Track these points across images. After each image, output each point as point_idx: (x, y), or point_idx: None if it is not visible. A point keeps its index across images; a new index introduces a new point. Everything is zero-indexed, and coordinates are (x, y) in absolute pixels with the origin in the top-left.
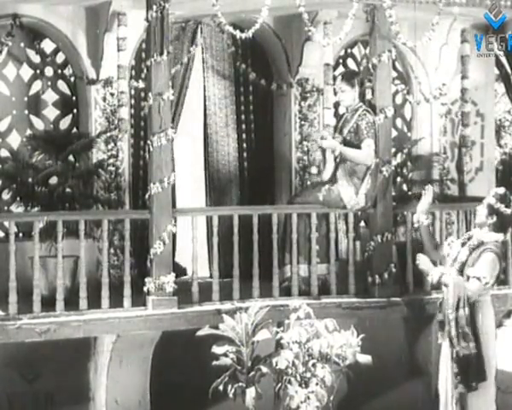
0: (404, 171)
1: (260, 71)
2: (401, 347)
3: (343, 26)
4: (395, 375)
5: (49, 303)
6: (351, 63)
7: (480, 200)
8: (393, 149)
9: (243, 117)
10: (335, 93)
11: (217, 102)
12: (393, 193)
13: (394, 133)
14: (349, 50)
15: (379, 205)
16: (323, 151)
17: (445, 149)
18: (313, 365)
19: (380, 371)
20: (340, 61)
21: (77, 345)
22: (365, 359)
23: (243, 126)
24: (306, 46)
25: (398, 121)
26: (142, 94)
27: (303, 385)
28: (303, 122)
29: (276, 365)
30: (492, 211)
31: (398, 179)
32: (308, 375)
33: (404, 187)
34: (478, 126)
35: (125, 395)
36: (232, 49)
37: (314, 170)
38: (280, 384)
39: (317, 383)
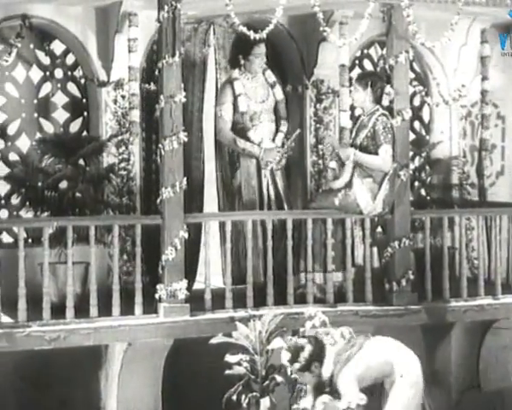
0: (423, 175)
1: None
2: (419, 355)
3: (359, 26)
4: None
5: (58, 310)
6: (367, 64)
7: (500, 205)
8: (411, 153)
9: None
10: (351, 95)
11: None
12: (411, 198)
13: (412, 136)
14: (365, 51)
15: (396, 210)
16: (339, 158)
17: (465, 153)
18: None
19: None
20: (357, 62)
21: (87, 353)
22: None
23: None
24: (321, 47)
25: (416, 124)
26: (153, 96)
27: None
28: (318, 125)
29: (291, 374)
30: None
31: (416, 184)
32: None
33: (423, 192)
34: (498, 129)
35: (137, 404)
36: None
37: (330, 175)
38: (294, 393)
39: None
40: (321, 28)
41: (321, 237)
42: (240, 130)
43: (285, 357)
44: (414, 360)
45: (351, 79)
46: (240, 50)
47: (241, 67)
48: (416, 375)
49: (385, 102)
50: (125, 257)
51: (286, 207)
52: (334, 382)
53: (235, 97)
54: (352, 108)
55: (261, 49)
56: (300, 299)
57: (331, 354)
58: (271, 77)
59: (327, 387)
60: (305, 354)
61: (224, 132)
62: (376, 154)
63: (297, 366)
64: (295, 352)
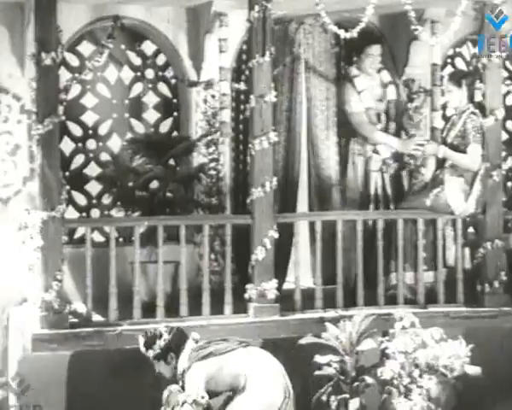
0: None
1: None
2: None
3: (451, 24)
4: (506, 388)
5: (149, 309)
6: (459, 63)
7: None
8: (504, 153)
9: (345, 119)
10: (443, 94)
11: (318, 104)
12: (504, 198)
13: (505, 136)
14: (457, 49)
15: (488, 211)
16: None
17: None
18: (419, 376)
19: (489, 384)
20: (448, 60)
21: None
22: (474, 370)
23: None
24: (413, 46)
25: (509, 124)
26: (242, 96)
27: (407, 397)
28: (409, 124)
29: (381, 375)
30: None
31: (509, 184)
32: (413, 386)
33: None
34: None
35: None
36: (336, 49)
37: (419, 175)
38: (384, 395)
39: (420, 394)
40: (412, 27)
41: (412, 237)
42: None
43: (140, 342)
44: (273, 387)
45: (442, 78)
46: (354, 48)
47: (355, 64)
48: (268, 404)
49: (477, 97)
50: (212, 256)
51: (392, 207)
52: (184, 376)
53: (359, 93)
54: (444, 107)
55: (373, 51)
56: (391, 300)
57: (188, 349)
58: (387, 77)
59: (179, 381)
60: (161, 343)
61: (363, 125)
62: (465, 153)
63: (151, 353)
64: (152, 338)
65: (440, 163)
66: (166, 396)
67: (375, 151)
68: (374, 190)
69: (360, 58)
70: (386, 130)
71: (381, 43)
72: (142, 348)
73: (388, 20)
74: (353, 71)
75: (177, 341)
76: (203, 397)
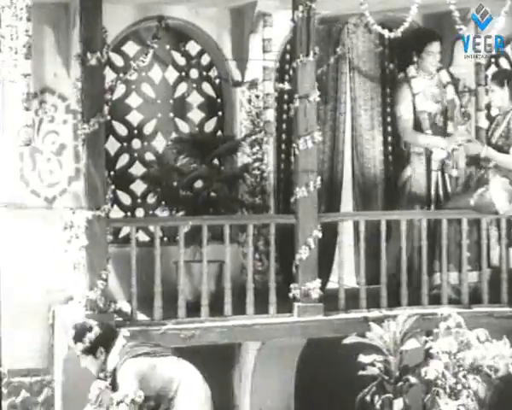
0: None
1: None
2: None
3: (495, 24)
4: None
5: (193, 309)
6: (503, 62)
7: None
8: None
9: (389, 119)
10: (487, 94)
11: (362, 104)
12: None
13: None
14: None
15: None
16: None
17: None
18: (464, 376)
19: None
20: (493, 60)
21: (221, 351)
22: None
23: (389, 129)
24: (457, 45)
25: None
26: (286, 96)
27: (453, 397)
28: None
29: (425, 375)
30: None
31: None
32: (459, 387)
33: None
34: None
35: (270, 402)
36: (380, 48)
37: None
38: (429, 395)
39: (467, 396)
40: (456, 26)
41: (456, 237)
42: (417, 129)
43: (70, 334)
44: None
45: (486, 78)
46: (413, 47)
47: (414, 64)
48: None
49: None
50: (256, 256)
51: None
52: (116, 373)
53: (414, 95)
54: (488, 107)
55: (434, 48)
56: (435, 299)
57: (119, 346)
58: (445, 77)
59: (108, 378)
60: (91, 336)
61: (407, 132)
62: (509, 153)
63: (80, 346)
64: (82, 331)
65: (473, 162)
66: (96, 395)
67: (432, 152)
68: (434, 190)
69: (420, 57)
70: (444, 130)
71: (441, 41)
72: (71, 341)
73: (432, 19)
74: (411, 71)
75: (108, 336)
76: (140, 396)
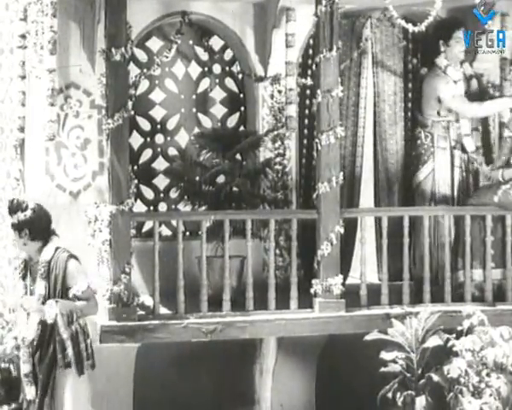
0: None
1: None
2: None
3: None
4: None
5: (215, 303)
6: None
7: None
8: None
9: (411, 115)
10: None
11: (386, 99)
12: None
13: None
14: None
15: None
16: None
17: None
18: (487, 374)
19: None
20: None
21: (242, 346)
22: None
23: (412, 124)
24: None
25: None
26: (308, 91)
27: (476, 396)
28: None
29: (448, 373)
30: None
31: None
32: (482, 385)
33: None
34: None
35: (291, 399)
36: (403, 43)
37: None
38: (451, 394)
39: (491, 394)
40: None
41: (480, 234)
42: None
43: (9, 205)
44: None
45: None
46: (440, 36)
47: (443, 53)
48: None
49: None
50: (278, 251)
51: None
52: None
53: (455, 82)
54: None
55: (461, 34)
56: (458, 297)
57: (55, 244)
58: (468, 69)
59: (40, 268)
60: (20, 216)
61: (465, 106)
62: None
63: (11, 220)
64: (16, 207)
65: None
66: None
67: (462, 146)
68: (458, 186)
69: (449, 45)
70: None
71: (465, 27)
72: (7, 211)
73: (456, 13)
74: (443, 61)
75: (38, 223)
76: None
